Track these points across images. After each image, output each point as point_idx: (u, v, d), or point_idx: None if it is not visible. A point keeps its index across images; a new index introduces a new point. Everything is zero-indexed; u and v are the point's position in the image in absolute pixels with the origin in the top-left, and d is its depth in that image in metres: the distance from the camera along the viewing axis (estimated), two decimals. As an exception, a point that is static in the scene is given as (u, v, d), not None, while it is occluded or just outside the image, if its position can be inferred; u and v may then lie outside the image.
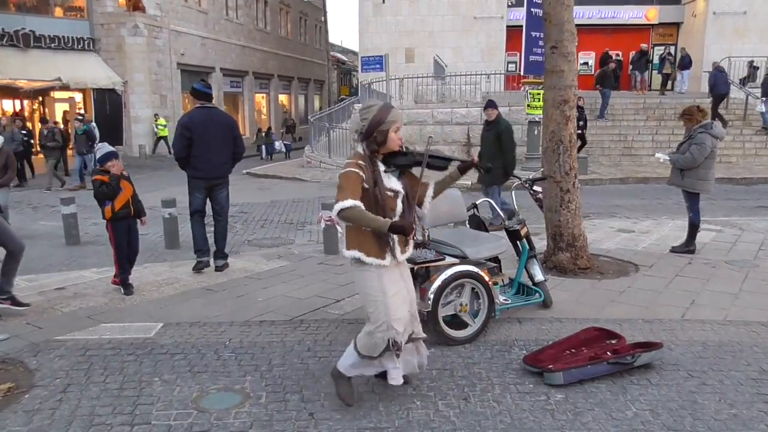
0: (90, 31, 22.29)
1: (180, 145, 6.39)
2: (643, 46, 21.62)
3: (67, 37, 21.34)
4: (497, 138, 8.56)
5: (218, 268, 6.60)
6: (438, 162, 3.40)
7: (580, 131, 15.57)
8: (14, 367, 4.14)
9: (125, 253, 5.87)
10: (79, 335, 4.70)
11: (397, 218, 3.30)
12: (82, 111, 20.02)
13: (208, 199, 6.65)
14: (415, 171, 3.41)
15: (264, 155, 24.73)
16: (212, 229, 6.75)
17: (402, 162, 3.37)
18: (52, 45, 20.88)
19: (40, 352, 4.36)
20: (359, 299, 5.44)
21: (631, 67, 22.18)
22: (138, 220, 6.03)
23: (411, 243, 3.50)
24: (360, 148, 3.34)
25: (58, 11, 22.41)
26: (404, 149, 3.40)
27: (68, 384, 3.85)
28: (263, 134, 26.15)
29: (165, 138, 22.04)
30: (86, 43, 21.98)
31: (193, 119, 6.49)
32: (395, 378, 3.44)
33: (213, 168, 6.52)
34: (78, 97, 22.55)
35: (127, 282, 5.86)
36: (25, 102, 21.67)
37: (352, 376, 3.58)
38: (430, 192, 3.53)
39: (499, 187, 8.64)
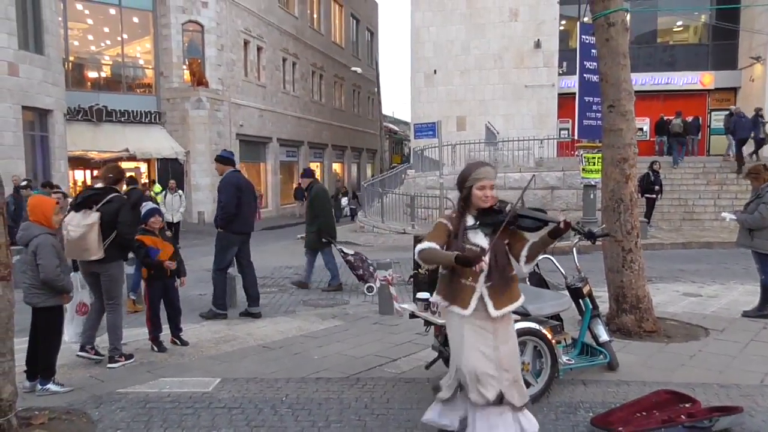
0: (157, 105, 23.65)
1: (233, 203, 7.21)
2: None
3: (136, 111, 22.68)
4: (311, 204, 9.40)
5: (256, 314, 7.35)
6: (527, 222, 3.37)
7: (654, 195, 15.30)
8: (78, 417, 4.21)
9: (158, 312, 5.93)
10: (140, 388, 4.76)
11: (482, 276, 3.32)
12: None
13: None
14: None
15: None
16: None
17: (488, 221, 3.37)
18: (122, 119, 22.19)
19: (102, 404, 4.43)
20: (416, 358, 5.38)
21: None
22: (178, 280, 6.10)
23: (512, 300, 3.44)
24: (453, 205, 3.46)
25: (129, 88, 23.95)
26: (497, 207, 3.39)
27: (129, 435, 3.88)
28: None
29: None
30: (153, 116, 23.28)
31: (239, 181, 7.41)
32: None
33: (250, 225, 7.53)
34: (143, 167, 23.71)
35: (158, 339, 5.92)
36: (95, 172, 22.90)
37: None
38: (524, 251, 3.41)
39: (322, 251, 9.46)
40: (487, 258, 3.20)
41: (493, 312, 3.36)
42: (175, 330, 6.08)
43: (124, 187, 7.30)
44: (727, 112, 18.88)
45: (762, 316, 6.62)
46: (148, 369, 5.29)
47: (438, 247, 3.31)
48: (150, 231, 5.93)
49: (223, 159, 7.52)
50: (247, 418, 4.12)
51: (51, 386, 4.73)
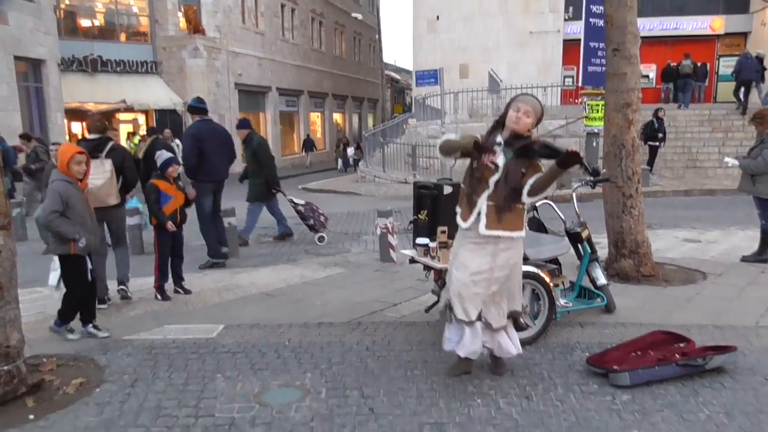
0: (153, 54, 23.25)
1: (191, 153, 7.28)
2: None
3: (132, 61, 22.30)
4: (254, 156, 8.97)
5: (215, 264, 7.43)
6: (543, 151, 3.43)
7: (658, 143, 15.17)
8: (85, 363, 4.30)
9: (165, 261, 5.99)
10: (145, 335, 4.85)
11: (491, 189, 3.47)
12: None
13: None
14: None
15: (340, 167, 26.80)
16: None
17: (514, 143, 3.46)
18: (118, 69, 21.86)
19: (109, 351, 4.52)
20: (416, 303, 5.47)
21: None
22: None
23: (506, 228, 3.50)
24: None
25: (123, 36, 23.50)
26: (529, 137, 3.49)
27: (136, 379, 3.97)
28: (341, 148, 28.19)
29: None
30: (149, 66, 22.92)
31: (200, 130, 7.46)
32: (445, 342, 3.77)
33: (220, 173, 7.56)
34: (141, 118, 23.51)
35: (163, 289, 5.97)
36: (166, 130, 22.78)
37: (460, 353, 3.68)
38: (530, 181, 3.45)
39: (266, 202, 9.16)
40: (498, 164, 3.43)
41: (483, 230, 3.48)
42: (177, 279, 6.14)
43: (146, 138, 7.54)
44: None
45: (761, 261, 6.66)
46: (152, 317, 5.37)
47: (454, 138, 3.48)
48: (166, 178, 5.94)
49: (190, 108, 7.83)
50: (251, 361, 4.21)
51: (62, 332, 4.83)
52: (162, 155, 6.08)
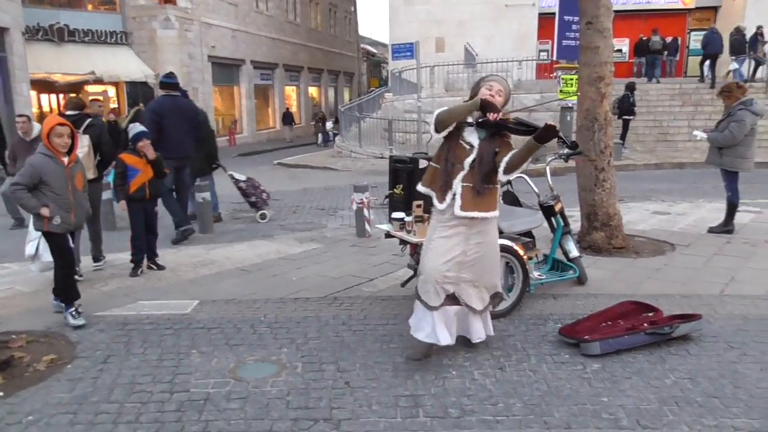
0: (122, 24, 22.60)
1: (151, 128, 6.76)
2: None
3: (101, 30, 21.65)
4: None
5: (176, 241, 7.35)
6: (522, 128, 3.44)
7: (630, 117, 15.31)
8: (56, 340, 4.26)
9: (139, 235, 5.92)
10: (118, 311, 4.81)
11: (466, 170, 3.48)
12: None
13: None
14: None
15: (320, 142, 26.73)
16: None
17: (486, 123, 3.45)
18: (86, 39, 21.21)
19: (81, 327, 4.47)
20: (393, 277, 5.50)
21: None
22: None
23: (482, 209, 3.50)
24: None
25: (91, 5, 22.80)
26: (496, 115, 3.45)
27: (109, 355, 3.95)
28: (320, 122, 28.19)
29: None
30: (119, 36, 22.30)
31: (162, 106, 7.63)
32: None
33: (181, 149, 7.54)
34: (111, 90, 22.95)
35: (139, 264, 5.91)
36: (60, 96, 22.15)
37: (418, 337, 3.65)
38: (506, 157, 3.43)
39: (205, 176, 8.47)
40: (473, 144, 3.49)
41: (458, 211, 3.48)
42: (151, 254, 6.08)
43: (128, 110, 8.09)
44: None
45: (726, 232, 6.82)
46: (125, 293, 5.32)
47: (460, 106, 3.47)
48: (136, 151, 5.85)
49: (160, 83, 7.99)
50: (226, 336, 4.21)
51: (67, 315, 4.52)
52: (134, 128, 5.98)
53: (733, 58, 17.83)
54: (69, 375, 3.68)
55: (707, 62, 18.07)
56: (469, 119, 3.53)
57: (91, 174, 5.66)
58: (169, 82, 7.78)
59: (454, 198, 3.49)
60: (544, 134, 3.26)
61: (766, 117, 7.03)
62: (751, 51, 17.82)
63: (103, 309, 4.86)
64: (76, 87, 21.70)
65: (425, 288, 3.58)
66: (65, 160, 4.46)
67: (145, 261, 6.03)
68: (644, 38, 20.69)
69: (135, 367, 3.76)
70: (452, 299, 3.62)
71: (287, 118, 29.79)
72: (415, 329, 3.68)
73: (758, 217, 7.66)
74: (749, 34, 17.95)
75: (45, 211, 4.37)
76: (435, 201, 3.59)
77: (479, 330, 3.75)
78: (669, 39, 21.04)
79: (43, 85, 20.27)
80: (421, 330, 3.62)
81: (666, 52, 20.56)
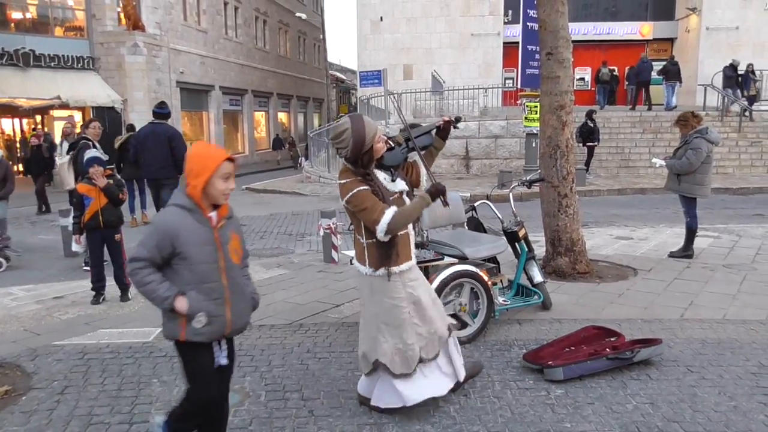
0: (90, 50, 22.40)
1: (132, 152, 8.90)
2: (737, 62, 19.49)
3: (67, 56, 21.42)
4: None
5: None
6: (422, 139, 3.47)
7: (595, 144, 15.66)
8: (11, 371, 4.12)
9: (96, 264, 5.78)
10: (77, 340, 4.69)
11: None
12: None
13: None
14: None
15: (301, 164, 27.19)
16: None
17: (393, 162, 3.28)
18: (52, 64, 20.96)
19: (37, 357, 4.35)
20: (360, 304, 5.48)
21: (627, 82, 22.45)
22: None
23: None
24: (350, 167, 3.13)
25: (58, 31, 22.55)
26: (391, 145, 3.33)
27: (66, 386, 3.84)
28: (291, 147, 29.26)
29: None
30: (86, 61, 22.08)
31: (140, 133, 8.87)
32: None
33: (153, 170, 8.41)
34: (77, 115, 22.63)
35: (99, 291, 5.79)
36: (24, 121, 21.74)
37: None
38: (421, 170, 3.43)
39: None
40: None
41: (414, 260, 3.33)
42: (120, 285, 5.88)
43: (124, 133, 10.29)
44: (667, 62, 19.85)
45: (686, 257, 7.00)
46: (86, 321, 5.19)
47: (397, 209, 3.06)
48: (89, 179, 5.68)
49: (153, 114, 8.77)
50: (188, 365, 4.12)
51: None
52: (86, 154, 5.84)
53: (664, 84, 19.60)
54: (23, 407, 3.56)
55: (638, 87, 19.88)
56: (380, 174, 3.23)
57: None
58: (158, 111, 8.64)
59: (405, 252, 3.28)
60: (443, 129, 3.46)
61: (721, 145, 7.28)
62: (744, 89, 18.67)
63: (62, 338, 4.73)
64: (41, 112, 21.38)
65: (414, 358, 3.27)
66: (213, 217, 2.70)
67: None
68: (607, 65, 21.50)
69: (93, 397, 3.67)
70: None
71: (277, 142, 31.75)
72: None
73: (716, 242, 7.88)
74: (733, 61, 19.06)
75: (182, 304, 2.59)
76: (403, 266, 3.25)
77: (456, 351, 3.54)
78: (615, 72, 22.36)
79: (7, 110, 19.92)
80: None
81: (617, 82, 22.05)
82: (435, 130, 3.60)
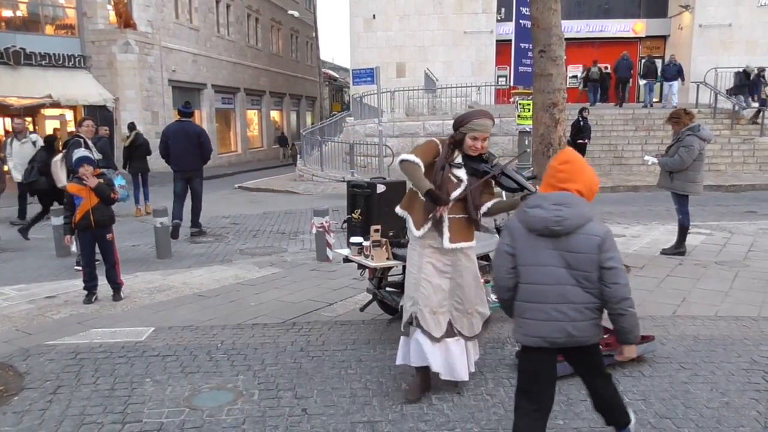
0: (81, 48, 22.28)
1: (160, 147, 9.46)
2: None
3: (58, 54, 21.30)
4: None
5: (193, 234, 9.40)
6: (508, 182, 3.50)
7: (585, 141, 15.72)
8: (3, 371, 4.10)
9: (87, 263, 5.75)
10: (70, 340, 4.67)
11: (451, 203, 3.44)
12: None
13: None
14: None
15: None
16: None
17: (472, 167, 3.50)
18: (43, 62, 20.85)
19: (30, 357, 4.33)
20: (352, 302, 5.48)
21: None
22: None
23: (466, 239, 3.54)
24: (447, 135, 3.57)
25: (49, 29, 22.41)
26: (485, 157, 3.52)
27: (58, 386, 3.82)
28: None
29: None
30: (77, 60, 21.96)
31: (168, 129, 9.57)
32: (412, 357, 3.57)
33: (184, 164, 9.24)
34: (69, 114, 22.50)
35: (90, 292, 5.75)
36: (15, 120, 21.61)
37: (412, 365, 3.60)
38: (489, 204, 3.57)
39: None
40: (463, 179, 3.48)
41: (447, 244, 3.48)
42: (113, 286, 5.84)
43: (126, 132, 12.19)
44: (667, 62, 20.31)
45: (678, 254, 7.03)
46: (78, 321, 5.17)
47: (422, 166, 3.39)
48: (79, 179, 5.63)
49: (179, 112, 9.66)
50: (181, 364, 4.12)
51: None
52: (75, 154, 5.79)
53: (644, 83, 20.53)
54: (15, 407, 3.54)
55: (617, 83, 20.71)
56: (459, 159, 3.51)
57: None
58: (184, 110, 9.56)
59: (441, 230, 3.46)
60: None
61: (713, 142, 7.32)
62: (755, 93, 18.72)
63: (54, 338, 4.71)
64: (32, 110, 21.25)
65: (425, 318, 3.48)
66: None
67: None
68: (598, 64, 21.61)
69: (86, 397, 3.65)
70: (449, 331, 3.54)
71: (282, 140, 33.62)
72: (416, 360, 3.53)
73: (708, 239, 7.92)
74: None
75: None
76: (411, 226, 3.56)
77: (476, 350, 3.76)
78: (605, 70, 22.45)
79: (-2, 108, 19.79)
80: (423, 360, 3.50)
81: (609, 80, 22.13)
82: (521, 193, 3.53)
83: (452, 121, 3.65)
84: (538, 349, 2.65)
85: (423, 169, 3.39)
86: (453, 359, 3.51)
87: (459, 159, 3.51)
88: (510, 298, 2.74)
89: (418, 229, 3.51)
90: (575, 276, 2.57)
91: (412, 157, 3.39)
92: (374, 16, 24.05)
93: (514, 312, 2.75)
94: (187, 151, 9.18)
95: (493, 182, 3.54)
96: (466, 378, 3.56)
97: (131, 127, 12.97)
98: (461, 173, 3.50)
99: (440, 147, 3.49)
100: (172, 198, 9.35)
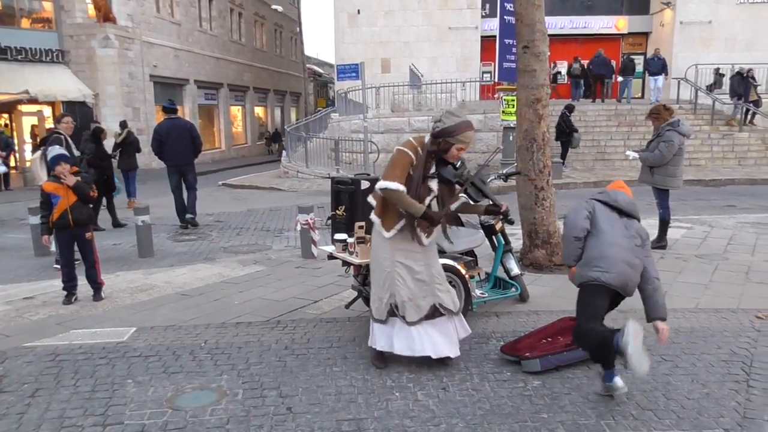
0: (59, 42, 21.94)
1: (153, 145, 9.90)
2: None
3: (35, 48, 20.95)
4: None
5: (188, 221, 9.87)
6: (473, 192, 3.88)
7: (571, 137, 15.81)
8: (-20, 373, 4.02)
9: (66, 263, 5.65)
10: (49, 341, 4.59)
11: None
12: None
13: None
14: None
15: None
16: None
17: (445, 175, 3.68)
18: (19, 57, 20.49)
19: (7, 359, 4.25)
20: (337, 299, 5.46)
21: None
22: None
23: (435, 230, 3.76)
24: (427, 139, 3.64)
25: (25, 22, 22.04)
26: (456, 163, 3.72)
27: (37, 389, 3.75)
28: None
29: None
30: (55, 54, 21.63)
31: (160, 128, 9.99)
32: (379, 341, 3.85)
33: (178, 158, 9.75)
34: (47, 110, 22.17)
35: (69, 292, 5.66)
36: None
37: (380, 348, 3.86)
38: (456, 205, 3.83)
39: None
40: (433, 189, 3.68)
41: (425, 241, 3.72)
42: (92, 284, 5.74)
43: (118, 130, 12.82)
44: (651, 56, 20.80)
45: (660, 247, 7.09)
46: (57, 321, 5.09)
47: (405, 190, 3.52)
48: (56, 177, 5.53)
49: (164, 109, 10.23)
50: (164, 365, 4.07)
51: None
52: (51, 151, 5.69)
53: (621, 80, 20.83)
54: (-8, 411, 3.47)
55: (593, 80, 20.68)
56: (432, 168, 3.67)
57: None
58: (169, 107, 10.21)
59: (410, 230, 3.66)
60: (492, 211, 3.88)
61: (693, 137, 7.39)
62: (744, 94, 18.66)
63: (33, 339, 4.63)
64: (9, 106, 20.90)
65: (404, 307, 3.74)
66: None
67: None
68: (582, 60, 21.71)
69: (65, 400, 3.59)
70: (434, 312, 3.77)
71: (276, 136, 34.61)
72: (402, 349, 3.79)
73: (689, 233, 8.00)
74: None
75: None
76: (381, 228, 3.71)
77: (464, 326, 3.95)
78: (585, 66, 22.61)
79: (-27, 105, 19.44)
80: (410, 350, 3.77)
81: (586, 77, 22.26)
82: (488, 202, 4.00)
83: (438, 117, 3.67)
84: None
85: (405, 192, 3.53)
86: (441, 338, 3.77)
87: (433, 169, 3.67)
88: None
89: (389, 230, 3.68)
90: None
91: (394, 186, 3.51)
92: (359, 11, 23.98)
93: None
94: (181, 145, 9.65)
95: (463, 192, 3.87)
96: (457, 353, 3.83)
97: (122, 125, 13.53)
98: (434, 184, 3.68)
99: (413, 156, 3.58)
100: (171, 196, 9.90)
